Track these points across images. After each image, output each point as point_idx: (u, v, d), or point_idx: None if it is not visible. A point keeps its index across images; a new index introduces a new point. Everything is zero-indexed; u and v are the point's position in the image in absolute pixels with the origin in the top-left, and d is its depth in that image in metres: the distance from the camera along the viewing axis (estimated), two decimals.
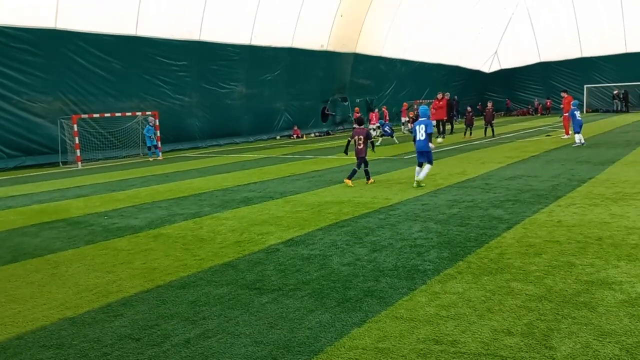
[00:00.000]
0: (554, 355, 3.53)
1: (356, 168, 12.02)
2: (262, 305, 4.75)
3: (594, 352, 3.54)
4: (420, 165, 11.14)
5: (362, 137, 11.88)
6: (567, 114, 20.49)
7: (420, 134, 10.92)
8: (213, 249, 6.89)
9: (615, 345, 3.63)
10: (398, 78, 41.12)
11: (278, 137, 32.94)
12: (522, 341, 3.77)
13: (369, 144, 12.52)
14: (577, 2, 42.67)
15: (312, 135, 34.12)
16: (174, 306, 4.86)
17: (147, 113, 23.36)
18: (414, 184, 11.07)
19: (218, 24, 26.80)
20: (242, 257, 6.41)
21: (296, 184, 12.63)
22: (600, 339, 3.72)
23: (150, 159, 22.40)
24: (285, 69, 32.13)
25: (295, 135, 32.99)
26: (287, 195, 10.92)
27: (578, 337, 3.78)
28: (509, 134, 26.17)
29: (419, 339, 3.91)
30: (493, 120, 25.00)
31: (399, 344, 3.84)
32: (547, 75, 47.50)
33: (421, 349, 3.73)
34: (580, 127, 18.39)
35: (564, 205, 8.42)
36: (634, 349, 3.56)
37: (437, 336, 3.94)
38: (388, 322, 4.24)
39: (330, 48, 34.37)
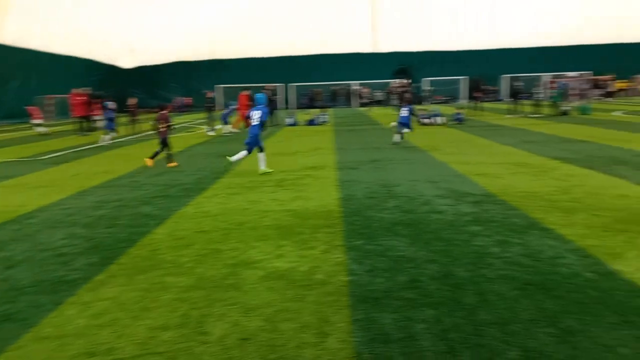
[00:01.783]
0: (208, 340, 3.75)
1: (157, 151, 13.15)
2: None
3: (242, 328, 3.91)
4: (250, 151, 11.18)
5: (162, 121, 13.12)
6: (244, 111, 23.60)
7: (255, 120, 11.11)
8: None
9: (259, 317, 4.08)
10: (25, 69, 36.52)
11: None
12: (178, 333, 3.87)
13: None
14: (214, 6, 46.06)
15: None
16: None
17: None
18: (260, 172, 11.13)
19: None
20: None
21: None
22: (247, 315, 4.13)
23: None
24: None
25: None
26: None
27: (228, 317, 4.11)
28: (152, 131, 26.40)
29: (71, 355, 3.58)
30: (137, 116, 24.83)
31: None
32: (185, 75, 49.85)
33: None
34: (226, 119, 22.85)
35: (209, 197, 9.01)
36: (273, 317, 4.08)
37: (91, 348, 3.68)
38: (34, 345, 3.74)
39: None
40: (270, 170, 11.31)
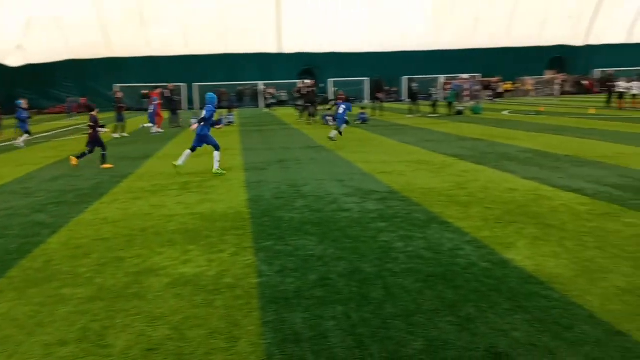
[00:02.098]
0: (111, 353, 3.56)
1: (104, 152, 12.63)
2: None
3: (147, 338, 3.75)
4: (193, 149, 11.21)
5: (91, 123, 12.52)
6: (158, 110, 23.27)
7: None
8: None
9: (165, 326, 3.94)
10: None
11: None
12: (77, 348, 3.64)
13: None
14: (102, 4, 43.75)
15: None
16: None
17: None
18: (175, 165, 11.03)
19: None
20: None
21: None
22: (152, 324, 3.97)
23: None
24: None
25: None
26: None
27: (132, 328, 3.92)
28: (44, 133, 24.68)
29: None
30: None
31: None
32: (79, 74, 46.88)
33: None
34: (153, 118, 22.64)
35: (108, 202, 8.57)
36: (181, 325, 3.95)
37: None
38: None
39: None
40: (224, 172, 10.99)
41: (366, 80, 44.92)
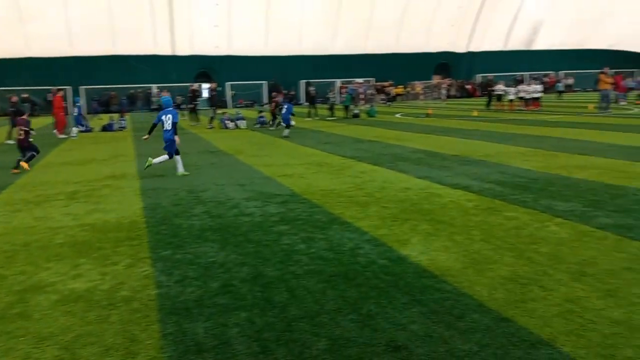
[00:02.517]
0: None
1: (33, 153, 12.48)
2: None
3: None
4: (171, 156, 10.86)
5: (22, 127, 12.43)
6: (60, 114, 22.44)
7: (167, 124, 10.73)
8: None
9: (55, 346, 3.66)
10: None
11: None
12: None
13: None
14: None
15: None
16: None
17: None
18: (179, 173, 10.87)
19: None
20: None
21: None
22: (39, 346, 3.67)
23: None
24: None
25: None
26: None
27: (16, 351, 3.60)
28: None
29: None
30: None
31: None
32: None
33: None
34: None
35: None
36: (72, 344, 3.69)
37: None
38: None
39: None
40: (187, 173, 10.94)
41: (264, 83, 44.88)
